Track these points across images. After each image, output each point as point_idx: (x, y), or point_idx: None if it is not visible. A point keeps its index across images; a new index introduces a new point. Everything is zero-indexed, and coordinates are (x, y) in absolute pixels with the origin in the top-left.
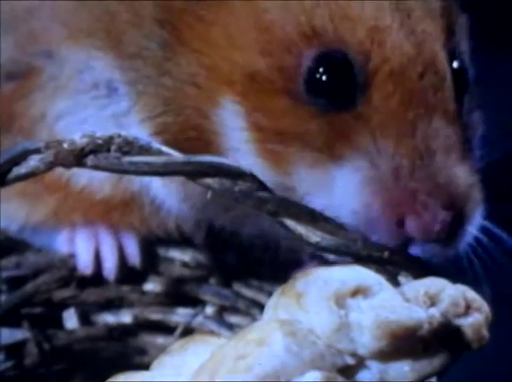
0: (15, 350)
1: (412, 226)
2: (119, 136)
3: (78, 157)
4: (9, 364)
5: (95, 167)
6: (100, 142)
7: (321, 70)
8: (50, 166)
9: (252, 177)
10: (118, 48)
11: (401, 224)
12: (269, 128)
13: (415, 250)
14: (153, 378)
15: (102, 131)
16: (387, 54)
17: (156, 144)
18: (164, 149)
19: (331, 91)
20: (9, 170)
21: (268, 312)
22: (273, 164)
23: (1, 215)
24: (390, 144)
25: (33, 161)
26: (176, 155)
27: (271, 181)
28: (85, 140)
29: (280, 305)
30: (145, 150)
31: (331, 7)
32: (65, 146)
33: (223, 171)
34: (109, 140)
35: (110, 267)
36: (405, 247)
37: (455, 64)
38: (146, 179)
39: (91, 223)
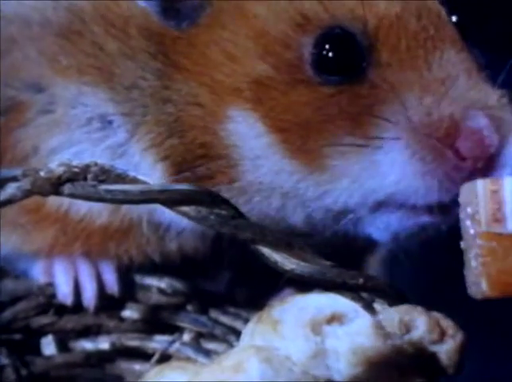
0: None
1: (465, 146)
2: (96, 164)
3: (55, 186)
4: None
5: (72, 195)
6: (77, 170)
7: (324, 50)
8: (27, 194)
9: (228, 205)
10: (112, 82)
11: (456, 151)
12: (292, 125)
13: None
14: None
15: None
16: (380, 11)
17: (132, 173)
18: (141, 178)
19: (340, 65)
20: None
21: (244, 339)
22: (306, 161)
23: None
24: (414, 91)
25: (11, 189)
26: (153, 184)
27: (307, 179)
28: (62, 168)
29: (256, 332)
30: (122, 178)
31: None
32: (42, 174)
33: (199, 199)
34: (85, 168)
35: (89, 296)
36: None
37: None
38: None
39: (68, 251)
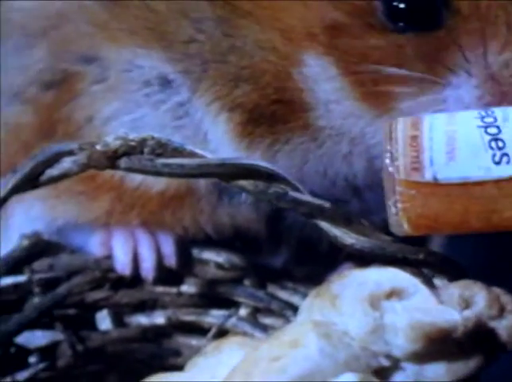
0: (48, 352)
1: None
2: (153, 138)
3: (111, 159)
4: (42, 365)
5: (128, 169)
6: (133, 144)
7: (395, 1)
8: (83, 168)
9: (286, 180)
10: (166, 40)
11: None
12: (364, 69)
13: None
14: (187, 379)
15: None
16: None
17: (189, 146)
18: (198, 151)
19: (415, 15)
20: (42, 172)
21: (302, 314)
22: (375, 104)
23: (47, 212)
24: (493, 43)
25: (66, 163)
26: (210, 157)
27: (375, 123)
28: (118, 142)
29: (314, 307)
30: (179, 152)
31: None
32: (98, 147)
33: (257, 173)
34: (142, 142)
35: (148, 266)
36: None
37: None
38: None
39: (126, 223)
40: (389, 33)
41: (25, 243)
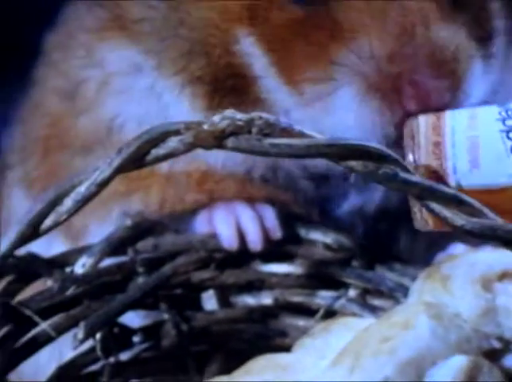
0: (152, 332)
1: (411, 103)
2: (260, 117)
3: (218, 139)
4: (145, 345)
5: (236, 149)
6: (241, 123)
7: None
8: (189, 148)
9: (396, 161)
10: (123, 24)
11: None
12: (280, 47)
13: None
14: (294, 359)
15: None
16: None
17: (297, 126)
18: (306, 131)
19: None
20: (148, 152)
21: (413, 295)
22: (290, 84)
23: (144, 197)
24: (370, 37)
25: (172, 143)
26: (319, 137)
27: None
28: (226, 121)
29: (425, 288)
30: (287, 131)
31: None
32: (205, 127)
33: (366, 154)
34: (250, 121)
35: (254, 238)
36: None
37: None
38: None
39: (227, 199)
40: (289, 8)
41: (128, 222)
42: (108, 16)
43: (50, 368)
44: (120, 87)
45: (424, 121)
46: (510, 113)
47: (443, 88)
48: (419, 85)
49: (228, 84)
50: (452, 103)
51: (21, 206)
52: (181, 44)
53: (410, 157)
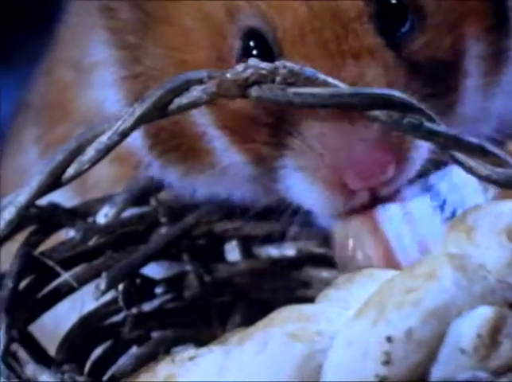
0: (175, 283)
1: (353, 181)
2: (284, 66)
3: (241, 88)
4: (168, 296)
5: (259, 98)
6: (265, 72)
7: (250, 46)
8: (213, 97)
9: (421, 110)
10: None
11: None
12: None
13: None
14: (318, 310)
15: None
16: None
17: (321, 75)
18: (331, 80)
19: None
20: (171, 101)
21: (437, 246)
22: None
23: None
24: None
25: (195, 92)
26: (343, 87)
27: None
28: (249, 70)
29: (449, 239)
30: (311, 81)
31: None
32: (228, 76)
33: (391, 103)
34: (274, 70)
35: None
36: None
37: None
38: None
39: None
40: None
41: None
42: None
43: (71, 320)
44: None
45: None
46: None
47: (387, 163)
48: (360, 164)
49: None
50: (398, 176)
51: (37, 164)
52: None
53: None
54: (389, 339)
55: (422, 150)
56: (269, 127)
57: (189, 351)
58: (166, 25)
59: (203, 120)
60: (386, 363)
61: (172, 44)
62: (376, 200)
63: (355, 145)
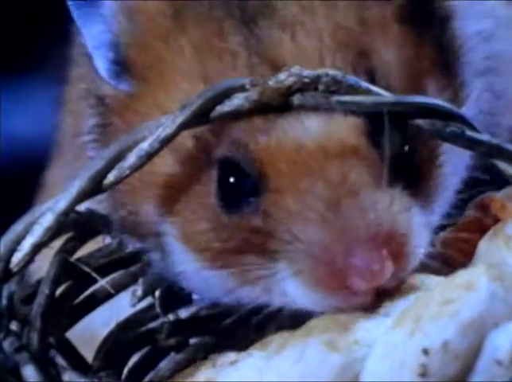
0: None
1: (355, 283)
2: (327, 74)
3: (284, 96)
4: (205, 302)
5: (302, 106)
6: (307, 80)
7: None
8: (255, 105)
9: (463, 119)
10: None
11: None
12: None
13: None
14: (359, 318)
15: None
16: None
17: (364, 83)
18: (374, 88)
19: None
20: (213, 108)
21: (480, 254)
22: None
23: None
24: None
25: (238, 99)
26: (386, 95)
27: None
28: (292, 78)
29: (491, 247)
30: (354, 89)
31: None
32: (271, 84)
33: (433, 111)
34: (316, 79)
35: None
36: None
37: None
38: None
39: None
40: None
41: None
42: None
43: (108, 326)
44: None
45: None
46: None
47: (385, 259)
48: (358, 264)
49: None
50: (399, 271)
51: None
52: None
53: None
54: (425, 351)
55: (421, 239)
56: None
57: (230, 355)
58: None
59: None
60: (423, 375)
61: None
62: (379, 296)
63: (353, 245)
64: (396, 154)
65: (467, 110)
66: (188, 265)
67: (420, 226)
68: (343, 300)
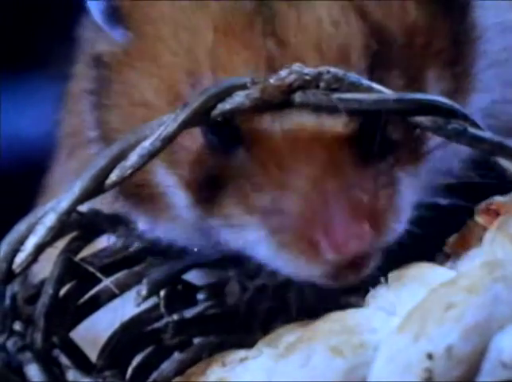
0: (217, 289)
1: (325, 248)
2: (328, 72)
3: (285, 93)
4: (210, 302)
5: (303, 104)
6: (308, 78)
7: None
8: (256, 102)
9: (465, 116)
10: None
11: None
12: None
13: None
14: (365, 318)
15: None
16: None
17: (366, 81)
18: (375, 86)
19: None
20: (214, 106)
21: (485, 246)
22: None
23: None
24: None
25: (239, 97)
26: (388, 92)
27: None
28: (293, 76)
29: (496, 241)
30: (356, 86)
31: None
32: (272, 81)
33: (435, 109)
34: (317, 76)
35: None
36: None
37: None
38: None
39: None
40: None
41: None
42: None
43: (113, 326)
44: None
45: None
46: None
47: (363, 232)
48: (335, 234)
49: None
50: (374, 243)
51: None
52: None
53: None
54: (429, 356)
55: (403, 214)
56: (235, 187)
57: (240, 352)
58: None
59: (163, 177)
60: (427, 379)
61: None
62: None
63: (331, 212)
64: (380, 132)
65: (479, 99)
66: (180, 201)
67: (401, 202)
68: (315, 265)
